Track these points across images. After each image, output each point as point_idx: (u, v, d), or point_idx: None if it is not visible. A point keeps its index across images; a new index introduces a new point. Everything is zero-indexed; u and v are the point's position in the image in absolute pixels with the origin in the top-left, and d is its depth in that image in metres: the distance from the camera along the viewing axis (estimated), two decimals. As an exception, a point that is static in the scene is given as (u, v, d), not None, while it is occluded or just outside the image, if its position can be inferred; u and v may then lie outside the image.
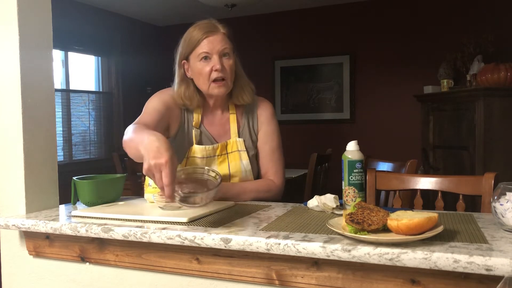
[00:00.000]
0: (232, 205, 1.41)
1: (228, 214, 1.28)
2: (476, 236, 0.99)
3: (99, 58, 5.28)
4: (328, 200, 1.29)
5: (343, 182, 1.30)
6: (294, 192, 3.47)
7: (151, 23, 5.83)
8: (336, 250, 0.94)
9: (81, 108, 4.97)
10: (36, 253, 1.35)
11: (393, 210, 1.10)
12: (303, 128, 5.30)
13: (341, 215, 1.21)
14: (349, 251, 0.93)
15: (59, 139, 4.63)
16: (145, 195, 1.47)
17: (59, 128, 4.61)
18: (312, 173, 3.25)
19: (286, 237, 1.01)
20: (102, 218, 1.26)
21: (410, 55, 4.75)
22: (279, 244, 0.99)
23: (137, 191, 3.02)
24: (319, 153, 3.36)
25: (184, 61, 1.59)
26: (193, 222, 1.19)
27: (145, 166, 1.12)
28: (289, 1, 4.98)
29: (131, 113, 5.26)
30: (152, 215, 1.24)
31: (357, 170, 1.28)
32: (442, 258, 0.87)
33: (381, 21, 4.88)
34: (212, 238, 1.06)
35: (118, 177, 1.53)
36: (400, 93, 4.81)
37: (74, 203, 1.50)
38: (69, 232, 1.21)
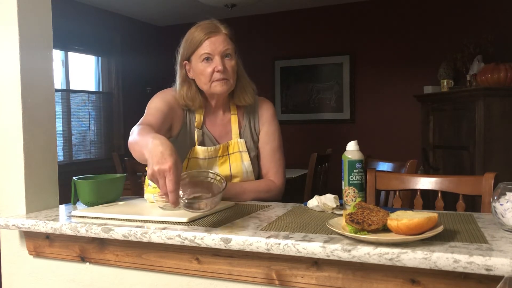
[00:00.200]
0: (232, 205, 1.41)
1: (228, 214, 1.28)
2: (476, 236, 0.99)
3: (99, 58, 5.28)
4: (328, 200, 1.29)
5: (343, 182, 1.30)
6: (294, 192, 3.47)
7: (151, 23, 5.83)
8: (336, 250, 0.94)
9: (81, 108, 4.97)
10: (36, 253, 1.35)
11: (393, 210, 1.10)
12: (303, 128, 5.30)
13: (341, 215, 1.21)
14: (349, 251, 0.93)
15: (59, 139, 4.63)
16: (145, 195, 1.47)
17: (59, 128, 4.61)
18: (312, 173, 3.25)
19: (286, 237, 1.01)
20: (102, 218, 1.26)
21: (410, 55, 4.75)
22: (279, 244, 0.99)
23: (137, 191, 3.02)
24: (319, 153, 3.36)
25: (186, 61, 1.59)
26: (193, 222, 1.18)
27: (149, 172, 1.12)
28: (289, 1, 4.98)
29: (131, 113, 5.28)
30: (152, 215, 1.24)
31: (357, 170, 1.28)
32: (442, 258, 0.87)
33: (381, 21, 4.88)
34: (212, 238, 1.06)
35: (118, 177, 1.52)
36: (400, 93, 4.81)
37: (74, 203, 1.50)
38: (69, 232, 1.22)
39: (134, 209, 1.35)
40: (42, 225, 1.25)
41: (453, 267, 0.86)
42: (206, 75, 1.53)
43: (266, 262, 1.06)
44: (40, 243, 1.34)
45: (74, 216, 1.31)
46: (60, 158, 4.64)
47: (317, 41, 5.18)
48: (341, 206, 1.30)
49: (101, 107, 5.25)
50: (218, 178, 1.28)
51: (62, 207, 1.48)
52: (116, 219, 1.24)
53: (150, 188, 1.43)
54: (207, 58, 1.53)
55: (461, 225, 1.10)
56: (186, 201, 1.15)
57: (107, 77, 5.35)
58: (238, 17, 5.21)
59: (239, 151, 1.62)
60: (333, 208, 1.28)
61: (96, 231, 1.18)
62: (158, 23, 5.83)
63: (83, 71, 5.13)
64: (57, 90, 4.60)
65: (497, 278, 0.85)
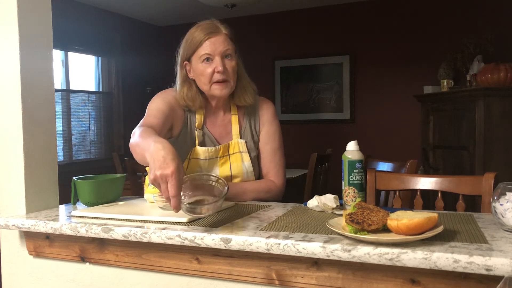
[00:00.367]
0: (232, 205, 1.41)
1: (228, 214, 1.28)
2: (476, 236, 0.99)
3: (99, 58, 5.28)
4: (328, 200, 1.29)
5: (343, 182, 1.30)
6: (294, 192, 3.47)
7: (151, 23, 5.83)
8: (336, 250, 0.94)
9: (81, 108, 4.97)
10: (36, 253, 1.35)
11: (393, 210, 1.10)
12: (303, 128, 5.30)
13: (341, 215, 1.21)
14: (349, 251, 0.93)
15: (59, 139, 4.63)
16: (145, 195, 1.47)
17: (59, 128, 4.61)
18: (312, 173, 3.25)
19: (286, 237, 1.01)
20: (102, 218, 1.26)
21: (410, 55, 4.75)
22: (279, 244, 0.99)
23: (137, 191, 3.02)
24: (319, 153, 3.36)
25: (186, 62, 1.58)
26: (193, 222, 1.19)
27: (150, 177, 1.12)
28: (289, 1, 4.98)
29: (131, 113, 5.29)
30: (152, 215, 1.24)
31: (357, 170, 1.28)
32: (442, 258, 0.87)
33: (381, 21, 4.88)
34: (212, 238, 1.06)
35: (118, 177, 1.52)
36: (400, 93, 4.81)
37: (74, 203, 1.50)
38: (69, 232, 1.22)
39: (134, 209, 1.35)
40: (42, 225, 1.25)
41: (453, 267, 0.87)
42: (206, 75, 1.53)
43: (266, 262, 1.06)
44: (40, 243, 1.34)
45: (74, 216, 1.31)
46: (60, 158, 4.64)
47: (317, 41, 5.18)
48: (341, 206, 1.30)
49: (101, 107, 5.25)
50: (220, 181, 1.27)
51: (62, 207, 1.48)
52: (116, 219, 1.24)
53: (150, 188, 1.43)
54: (207, 59, 1.53)
55: (461, 225, 1.10)
56: (187, 206, 1.15)
57: (107, 77, 5.35)
58: (238, 17, 5.21)
59: (239, 151, 1.62)
60: (333, 208, 1.28)
61: (96, 231, 1.18)
62: (158, 23, 5.83)
63: (83, 71, 5.13)
64: (57, 90, 4.61)
65: (497, 278, 0.85)
